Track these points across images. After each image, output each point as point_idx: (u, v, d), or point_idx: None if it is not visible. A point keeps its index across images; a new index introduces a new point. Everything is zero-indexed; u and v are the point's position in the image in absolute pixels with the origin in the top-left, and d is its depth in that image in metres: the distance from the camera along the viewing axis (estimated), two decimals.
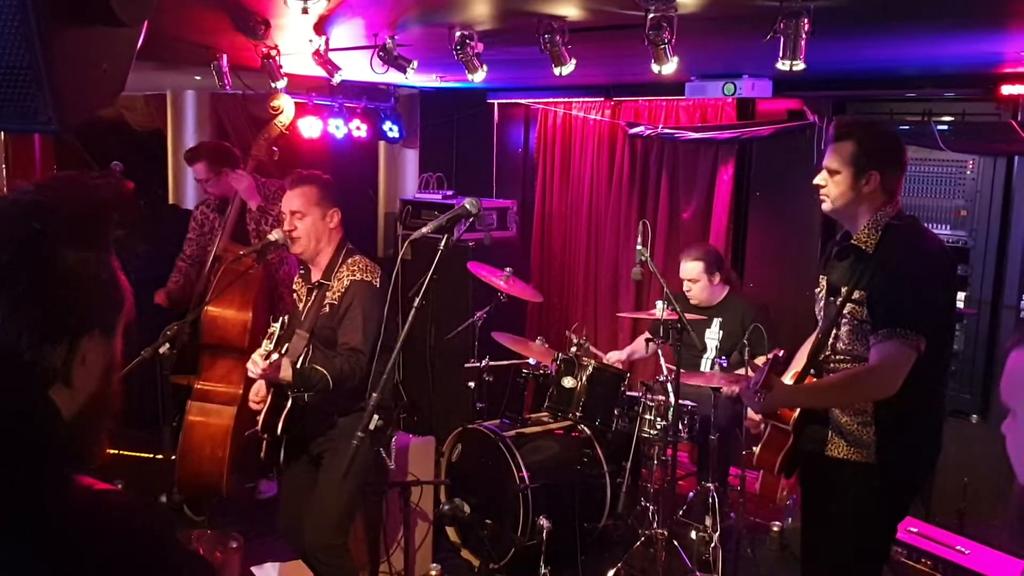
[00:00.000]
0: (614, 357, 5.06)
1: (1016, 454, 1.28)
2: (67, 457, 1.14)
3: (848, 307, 2.81)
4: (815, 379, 2.97)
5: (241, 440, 4.60)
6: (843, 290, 2.83)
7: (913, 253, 2.80)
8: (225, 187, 4.98)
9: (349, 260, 3.48)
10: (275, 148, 5.00)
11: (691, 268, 4.93)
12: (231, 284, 4.17)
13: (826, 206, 2.93)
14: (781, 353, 2.98)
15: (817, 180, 2.93)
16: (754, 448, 3.13)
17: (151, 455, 5.08)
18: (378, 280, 3.45)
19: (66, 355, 1.15)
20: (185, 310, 4.79)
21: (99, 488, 1.12)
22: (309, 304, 3.51)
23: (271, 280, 4.90)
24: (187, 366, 4.54)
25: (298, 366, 3.31)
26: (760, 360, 4.49)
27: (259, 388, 3.52)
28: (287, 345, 3.38)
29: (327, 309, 3.42)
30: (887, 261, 2.77)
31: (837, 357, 2.90)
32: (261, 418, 3.45)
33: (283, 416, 3.39)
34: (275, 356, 3.17)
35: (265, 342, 3.21)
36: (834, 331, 2.88)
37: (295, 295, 3.71)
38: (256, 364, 3.21)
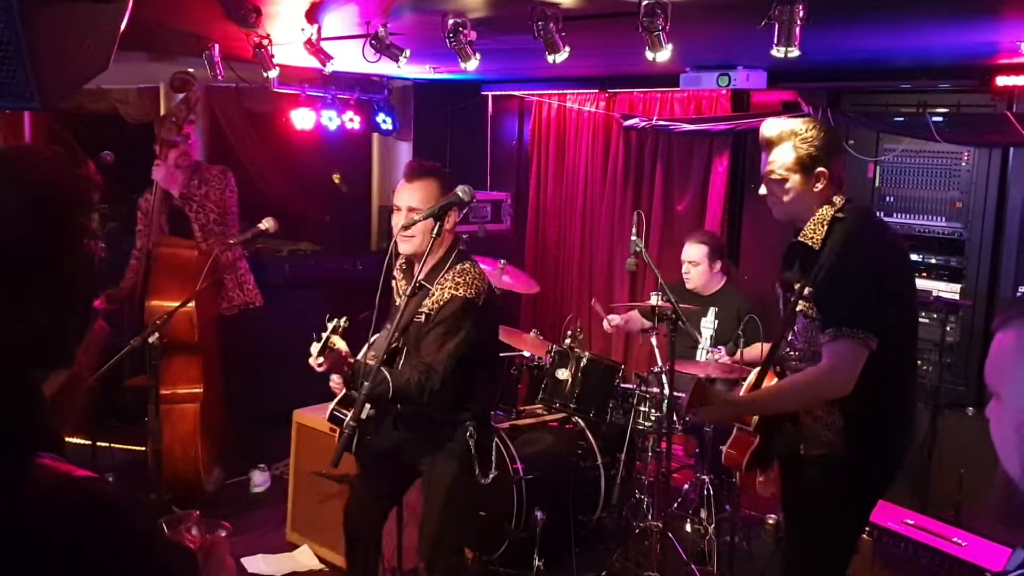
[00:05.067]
0: (614, 321, 5.03)
1: (999, 438, 1.27)
2: (38, 438, 1.11)
3: (800, 304, 2.75)
4: (777, 376, 2.95)
5: (214, 433, 4.57)
6: (795, 287, 2.78)
7: (857, 249, 2.69)
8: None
9: (458, 266, 3.17)
10: (188, 133, 4.65)
11: (694, 251, 4.92)
12: (207, 276, 4.00)
13: (778, 214, 2.85)
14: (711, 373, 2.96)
15: (762, 191, 2.83)
16: (721, 447, 3.11)
17: (143, 448, 5.05)
18: (482, 296, 3.16)
19: (82, 339, 1.14)
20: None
21: (76, 475, 1.10)
22: (407, 305, 3.18)
23: (214, 266, 4.57)
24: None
25: (373, 362, 3.07)
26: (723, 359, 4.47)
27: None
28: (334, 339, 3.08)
29: (422, 318, 3.14)
30: (831, 258, 2.69)
31: (793, 355, 2.87)
32: (329, 409, 3.25)
33: (352, 413, 3.09)
34: (320, 360, 2.95)
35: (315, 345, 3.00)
36: (791, 327, 2.83)
37: (394, 284, 3.44)
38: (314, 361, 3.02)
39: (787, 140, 2.74)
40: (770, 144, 2.78)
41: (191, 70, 4.68)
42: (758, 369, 3.01)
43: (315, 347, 2.96)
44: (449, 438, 3.26)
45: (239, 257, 4.97)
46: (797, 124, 2.79)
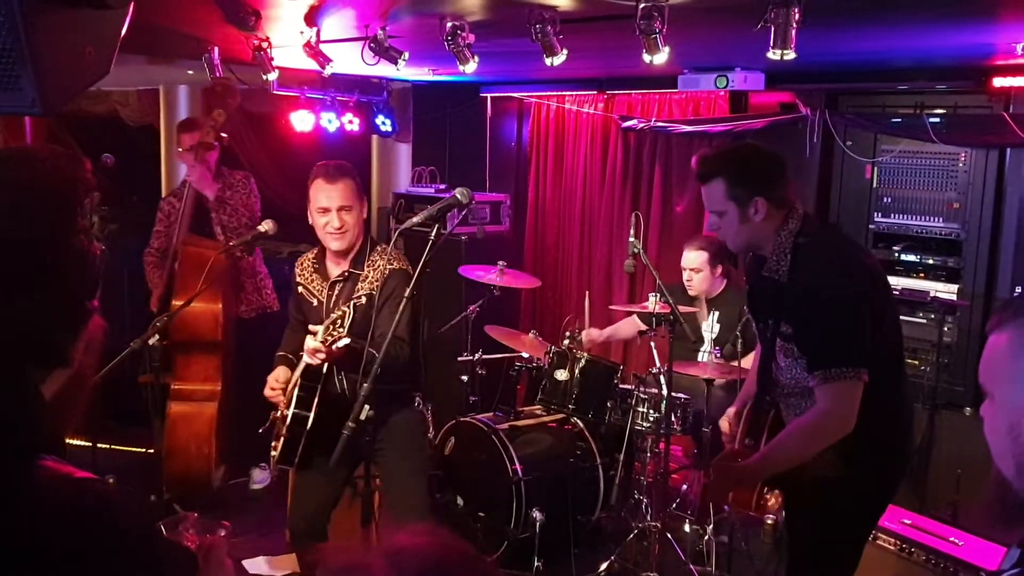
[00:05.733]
0: (594, 335, 5.05)
1: (993, 438, 1.29)
2: (38, 440, 1.12)
3: (778, 341, 2.72)
4: (772, 405, 2.91)
5: (225, 432, 4.57)
6: (769, 322, 2.75)
7: (829, 284, 2.60)
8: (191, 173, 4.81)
9: (378, 248, 3.48)
10: (224, 135, 4.86)
11: (694, 257, 4.91)
12: (214, 278, 4.06)
13: (732, 246, 2.83)
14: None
15: (708, 229, 2.82)
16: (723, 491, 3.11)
17: (144, 449, 5.07)
18: (409, 267, 3.44)
19: (76, 339, 1.15)
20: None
21: (77, 476, 1.11)
22: (335, 296, 3.43)
23: (235, 269, 4.81)
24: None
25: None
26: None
27: (279, 375, 3.41)
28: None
29: (363, 300, 3.32)
30: (803, 294, 2.62)
31: (784, 390, 2.84)
32: (289, 412, 3.26)
33: (315, 404, 3.24)
34: (346, 340, 3.07)
35: (328, 326, 3.09)
36: (773, 360, 2.81)
37: (303, 290, 3.56)
38: (318, 353, 3.11)
39: (718, 173, 2.70)
40: (703, 177, 2.74)
41: (201, 73, 4.72)
42: (750, 405, 2.99)
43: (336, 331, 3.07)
44: (399, 410, 3.44)
45: (258, 261, 5.07)
46: (727, 155, 2.78)
